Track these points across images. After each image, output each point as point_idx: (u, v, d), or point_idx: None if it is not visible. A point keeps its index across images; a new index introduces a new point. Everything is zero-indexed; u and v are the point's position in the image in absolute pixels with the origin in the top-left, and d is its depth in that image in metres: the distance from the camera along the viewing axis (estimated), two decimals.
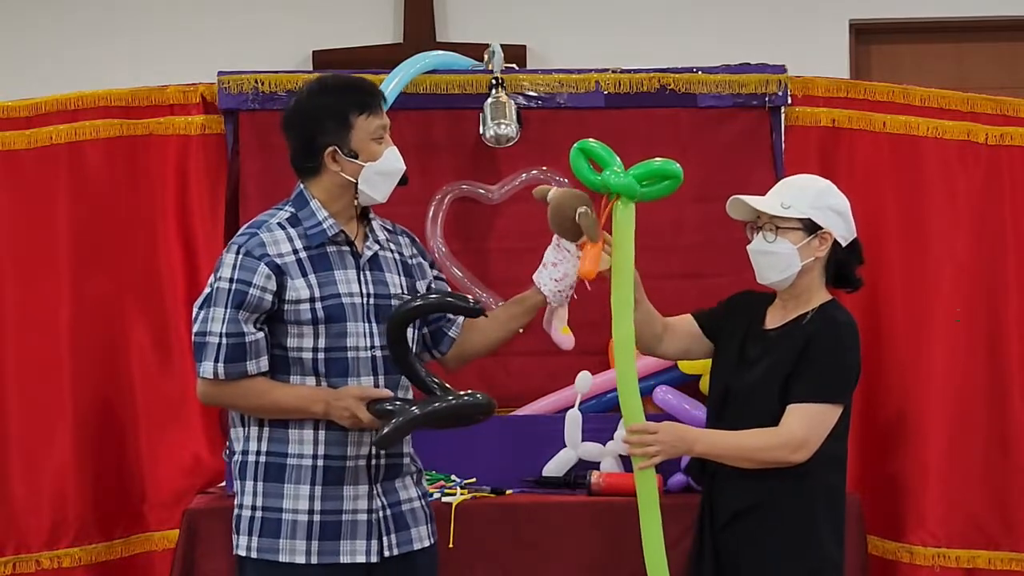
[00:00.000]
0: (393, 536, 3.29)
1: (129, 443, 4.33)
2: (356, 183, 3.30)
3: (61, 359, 4.27)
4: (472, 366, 4.41)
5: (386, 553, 3.27)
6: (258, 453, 3.30)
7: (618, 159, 3.38)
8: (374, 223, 3.38)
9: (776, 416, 3.37)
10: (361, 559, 3.26)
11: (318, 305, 3.25)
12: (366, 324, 3.28)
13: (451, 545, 3.90)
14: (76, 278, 4.31)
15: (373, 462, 3.28)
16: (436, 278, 3.52)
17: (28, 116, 4.33)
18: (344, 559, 3.26)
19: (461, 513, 3.97)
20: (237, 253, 3.26)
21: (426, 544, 3.37)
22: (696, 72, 4.56)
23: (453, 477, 4.18)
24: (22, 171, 4.32)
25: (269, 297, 3.23)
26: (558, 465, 4.22)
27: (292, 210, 3.33)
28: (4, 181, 4.31)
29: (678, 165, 3.39)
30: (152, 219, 4.39)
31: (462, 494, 4.05)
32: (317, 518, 3.25)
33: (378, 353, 3.28)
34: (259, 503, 3.30)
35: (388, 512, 3.29)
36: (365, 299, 3.29)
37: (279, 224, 3.31)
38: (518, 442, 4.23)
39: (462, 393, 3.21)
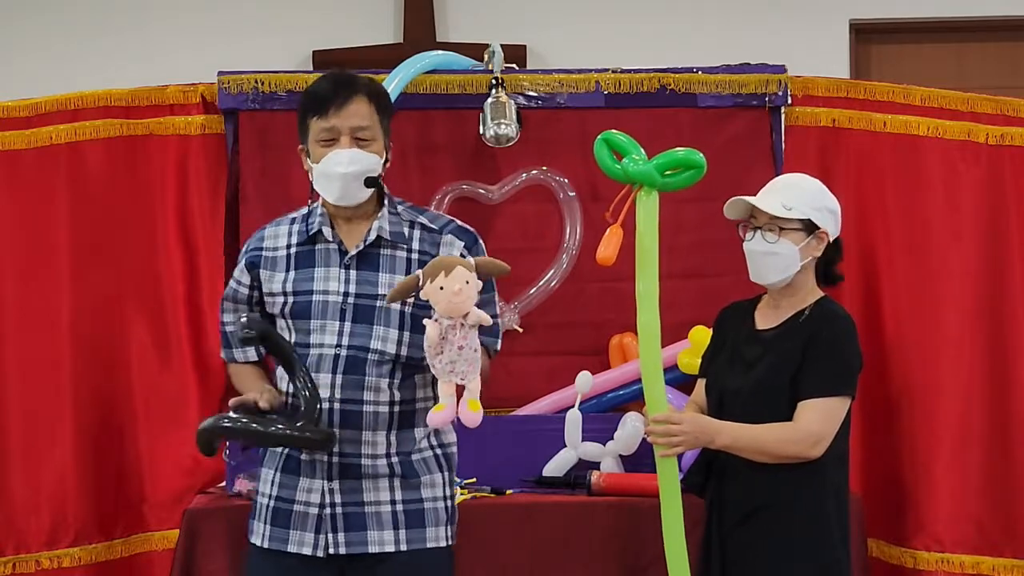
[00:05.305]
0: (341, 535, 3.24)
1: (129, 443, 4.33)
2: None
3: (61, 359, 4.27)
4: None
5: (331, 550, 3.24)
6: None
7: (641, 149, 3.39)
8: (375, 222, 3.31)
9: (782, 415, 3.39)
10: (307, 551, 3.24)
11: (289, 300, 3.29)
12: (338, 322, 3.26)
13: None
14: (76, 278, 4.30)
15: (327, 459, 3.26)
16: None
17: (28, 116, 4.33)
18: (291, 548, 3.25)
19: (461, 513, 3.94)
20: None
21: (388, 549, 3.25)
22: (696, 72, 4.57)
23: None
24: (22, 171, 4.31)
25: (244, 290, 3.36)
26: (558, 465, 4.21)
27: (314, 207, 3.37)
28: (4, 181, 4.30)
29: (701, 155, 3.38)
30: (152, 219, 4.39)
31: (462, 494, 4.04)
32: (273, 503, 3.29)
33: (343, 352, 3.24)
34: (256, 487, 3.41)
35: (339, 510, 3.25)
36: (343, 297, 3.27)
37: (292, 219, 3.39)
38: (518, 442, 4.23)
39: (300, 425, 3.12)
